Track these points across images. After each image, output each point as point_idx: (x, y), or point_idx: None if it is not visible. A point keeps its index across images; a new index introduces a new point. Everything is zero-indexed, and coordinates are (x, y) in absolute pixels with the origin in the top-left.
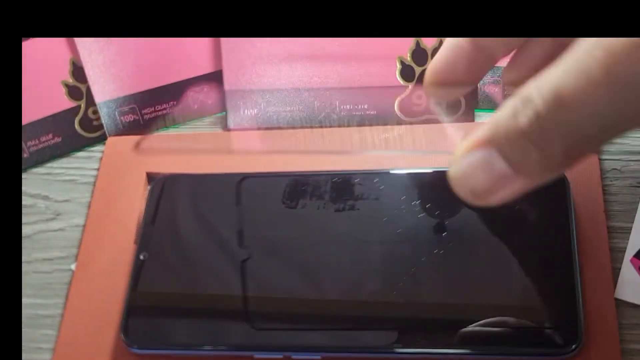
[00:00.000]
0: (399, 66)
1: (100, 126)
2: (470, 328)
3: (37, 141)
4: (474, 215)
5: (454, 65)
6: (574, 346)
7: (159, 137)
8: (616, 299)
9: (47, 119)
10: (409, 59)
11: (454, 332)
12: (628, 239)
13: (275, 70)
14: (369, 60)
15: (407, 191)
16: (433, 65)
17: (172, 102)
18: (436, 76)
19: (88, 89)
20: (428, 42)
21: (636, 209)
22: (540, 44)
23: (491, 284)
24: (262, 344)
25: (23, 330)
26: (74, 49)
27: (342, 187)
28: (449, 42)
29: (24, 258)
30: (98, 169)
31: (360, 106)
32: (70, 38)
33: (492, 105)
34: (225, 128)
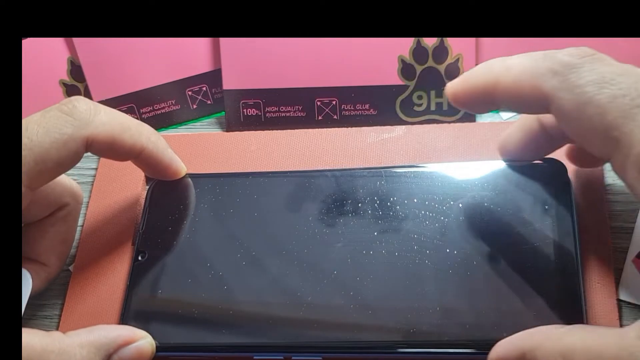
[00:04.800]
0: (399, 65)
1: None
2: (472, 329)
3: None
4: (477, 217)
5: (525, 146)
6: None
7: None
8: (619, 300)
9: None
10: (409, 57)
11: (454, 333)
12: (630, 240)
13: (275, 70)
14: (369, 59)
15: (411, 191)
16: (504, 142)
17: (170, 102)
18: (506, 153)
19: (86, 88)
20: (429, 41)
21: (638, 209)
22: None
23: (494, 286)
24: (262, 345)
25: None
26: (71, 48)
27: (343, 187)
28: (521, 123)
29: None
30: (96, 169)
31: (360, 106)
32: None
33: None
34: (225, 128)
